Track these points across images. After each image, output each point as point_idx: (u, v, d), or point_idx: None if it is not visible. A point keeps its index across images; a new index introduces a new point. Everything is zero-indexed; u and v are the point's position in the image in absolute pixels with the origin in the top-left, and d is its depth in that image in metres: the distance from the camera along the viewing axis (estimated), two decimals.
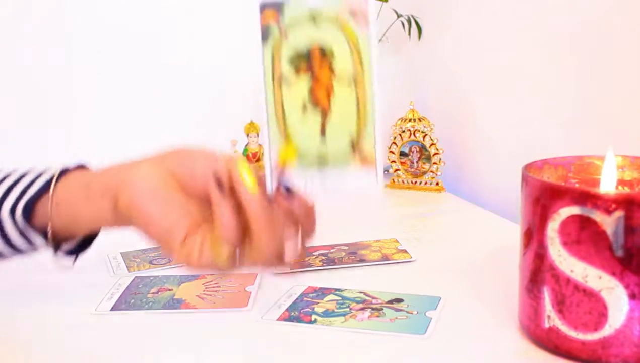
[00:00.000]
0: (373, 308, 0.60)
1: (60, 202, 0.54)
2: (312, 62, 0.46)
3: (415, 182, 1.04)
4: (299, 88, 0.47)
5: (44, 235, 0.54)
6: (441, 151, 1.02)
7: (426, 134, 1.03)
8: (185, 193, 0.51)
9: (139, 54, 1.18)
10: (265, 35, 0.46)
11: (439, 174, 1.03)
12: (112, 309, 0.62)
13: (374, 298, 0.62)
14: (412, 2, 1.14)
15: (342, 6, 0.46)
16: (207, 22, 1.21)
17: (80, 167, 0.57)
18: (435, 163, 1.03)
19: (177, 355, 0.54)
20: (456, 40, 1.06)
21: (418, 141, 1.03)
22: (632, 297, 0.47)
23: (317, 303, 0.62)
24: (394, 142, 1.06)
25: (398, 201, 1.00)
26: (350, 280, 0.67)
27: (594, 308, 0.48)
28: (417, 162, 1.04)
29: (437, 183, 1.03)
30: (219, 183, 0.47)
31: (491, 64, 0.97)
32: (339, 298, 0.63)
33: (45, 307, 0.61)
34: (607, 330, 0.48)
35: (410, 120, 1.04)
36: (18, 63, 1.12)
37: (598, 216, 0.46)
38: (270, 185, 0.47)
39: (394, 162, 1.06)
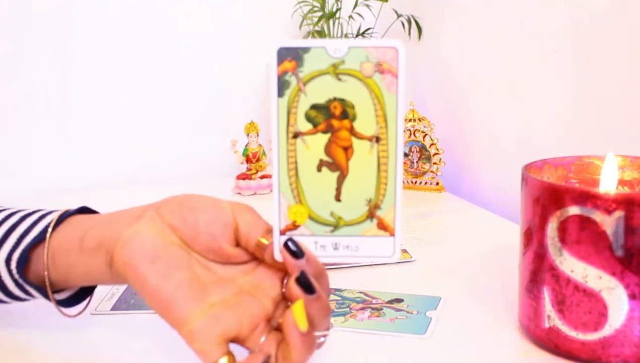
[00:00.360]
0: (373, 308, 0.60)
1: (55, 252, 0.50)
2: (331, 118, 0.43)
3: (415, 182, 1.04)
4: (315, 145, 0.44)
5: (40, 286, 0.51)
6: (441, 151, 1.02)
7: (426, 134, 1.03)
8: (188, 249, 0.47)
9: (139, 54, 1.19)
10: (282, 88, 0.43)
11: (439, 174, 1.03)
12: (112, 309, 0.62)
13: (374, 298, 0.62)
14: (412, 2, 1.14)
15: (368, 58, 0.42)
16: (207, 22, 1.21)
17: (82, 210, 0.53)
18: (435, 163, 1.03)
19: (177, 356, 0.54)
20: (456, 40, 1.06)
21: (418, 141, 1.03)
22: (632, 297, 0.47)
23: None
24: None
25: None
26: (350, 280, 0.67)
27: (594, 308, 0.48)
28: (417, 162, 1.04)
29: (437, 184, 1.03)
30: (268, 359, 0.44)
31: (491, 64, 0.97)
32: (339, 298, 0.63)
33: (45, 307, 0.61)
34: (607, 330, 0.48)
35: (410, 120, 1.04)
36: (17, 62, 1.12)
37: (598, 216, 0.46)
38: (277, 246, 0.45)
39: None
